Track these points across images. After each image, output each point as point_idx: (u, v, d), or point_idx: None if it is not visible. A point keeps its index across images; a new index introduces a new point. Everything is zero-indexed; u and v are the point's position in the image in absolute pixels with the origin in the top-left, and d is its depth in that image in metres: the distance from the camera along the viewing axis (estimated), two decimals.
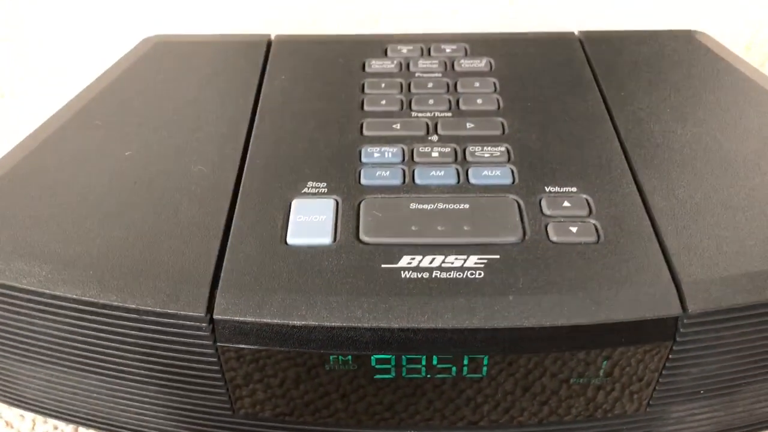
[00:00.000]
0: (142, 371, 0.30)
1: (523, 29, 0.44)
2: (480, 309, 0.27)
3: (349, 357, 0.29)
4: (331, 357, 0.29)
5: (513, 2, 0.64)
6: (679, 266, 0.29)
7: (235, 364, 0.29)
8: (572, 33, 0.43)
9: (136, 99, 0.39)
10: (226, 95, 0.39)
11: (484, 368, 0.29)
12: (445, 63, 0.41)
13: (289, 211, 0.31)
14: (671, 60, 0.40)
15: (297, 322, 0.27)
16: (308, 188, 0.32)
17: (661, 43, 0.42)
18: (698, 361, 0.29)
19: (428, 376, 0.29)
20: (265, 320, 0.27)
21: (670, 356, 0.29)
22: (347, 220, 0.31)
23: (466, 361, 0.29)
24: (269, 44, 0.42)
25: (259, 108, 0.37)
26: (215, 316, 0.28)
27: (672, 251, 0.29)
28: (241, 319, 0.27)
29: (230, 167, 0.34)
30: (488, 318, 0.27)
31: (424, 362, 0.29)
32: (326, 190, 0.32)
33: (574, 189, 0.32)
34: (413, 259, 0.29)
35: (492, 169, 0.33)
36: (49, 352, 0.31)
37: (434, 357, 0.29)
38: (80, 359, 0.31)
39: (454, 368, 0.29)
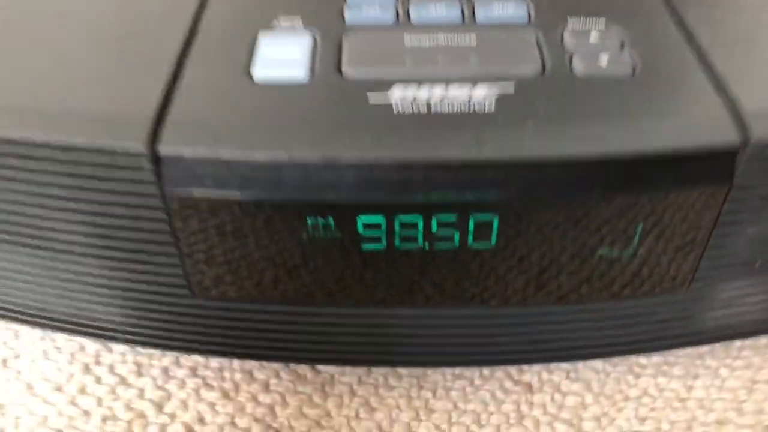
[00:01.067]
0: (78, 239, 0.25)
1: None
2: (491, 139, 0.22)
3: (331, 220, 0.23)
4: (308, 220, 0.23)
5: None
6: (735, 93, 0.23)
7: (188, 223, 0.23)
8: None
9: None
10: None
11: (493, 235, 0.24)
12: None
13: (256, 44, 0.26)
14: None
15: (263, 156, 0.22)
16: (280, 22, 0.27)
17: None
18: (759, 216, 0.24)
19: (426, 246, 0.24)
20: (223, 155, 0.22)
21: (724, 208, 0.23)
22: (326, 55, 0.25)
23: (471, 226, 0.23)
24: None
25: None
26: (161, 152, 0.22)
27: (724, 79, 0.24)
28: (193, 153, 0.22)
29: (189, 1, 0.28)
30: (502, 148, 0.22)
31: (421, 226, 0.24)
32: (302, 24, 0.27)
33: (602, 20, 0.26)
34: (407, 91, 0.23)
35: (503, 4, 0.28)
36: None
37: (433, 219, 0.23)
38: (5, 229, 0.25)
39: (457, 235, 0.24)
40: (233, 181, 0.22)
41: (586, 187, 0.22)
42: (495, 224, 0.23)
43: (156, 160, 0.22)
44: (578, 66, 0.24)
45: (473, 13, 0.27)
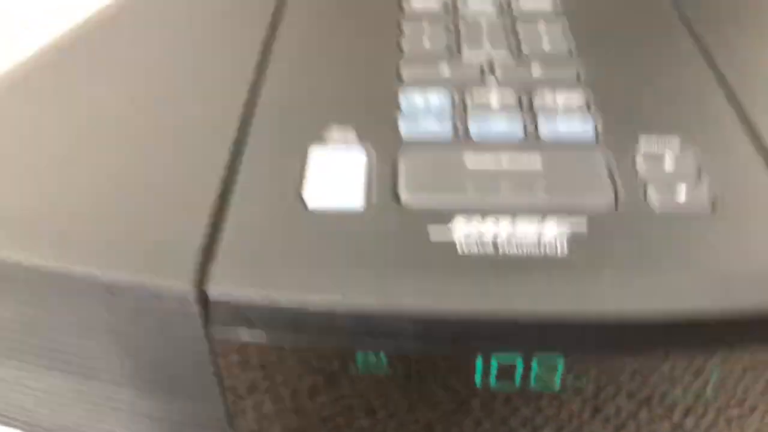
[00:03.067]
0: (116, 367, 0.23)
1: None
2: (563, 290, 0.20)
3: (383, 356, 0.22)
4: (358, 356, 0.21)
5: None
6: None
7: (233, 360, 0.22)
8: None
9: (138, 31, 0.32)
10: (239, 23, 0.32)
11: (557, 377, 0.22)
12: (500, 2, 0.34)
13: (308, 163, 0.24)
14: None
15: (317, 298, 0.20)
16: (332, 133, 0.25)
17: None
18: None
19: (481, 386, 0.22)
20: (274, 298, 0.20)
21: None
22: (383, 178, 0.24)
23: (535, 368, 0.22)
24: None
25: (275, 41, 0.30)
26: (208, 291, 0.21)
27: None
28: (243, 294, 0.20)
29: (236, 109, 0.27)
30: (573, 299, 0.20)
31: (478, 378, 0.22)
32: (355, 137, 0.25)
33: (676, 141, 0.25)
34: (471, 223, 0.22)
35: (569, 120, 0.26)
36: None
37: (493, 359, 0.21)
38: (37, 351, 0.24)
39: (519, 372, 0.22)
40: (285, 324, 0.21)
41: (660, 341, 0.20)
42: (559, 372, 0.22)
43: (203, 300, 0.21)
44: (654, 199, 0.23)
45: (536, 128, 0.26)
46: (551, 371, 0.22)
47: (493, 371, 0.22)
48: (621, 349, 0.21)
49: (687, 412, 0.22)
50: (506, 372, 0.22)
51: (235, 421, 0.24)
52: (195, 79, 0.29)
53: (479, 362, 0.21)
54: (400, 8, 0.33)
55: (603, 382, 0.21)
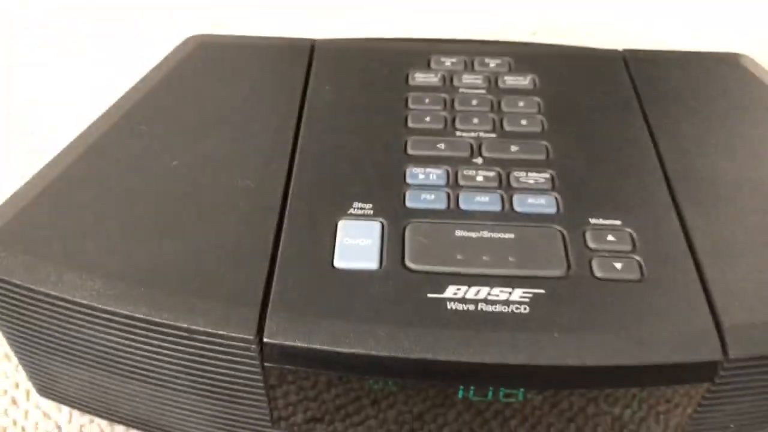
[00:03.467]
0: (187, 383, 0.31)
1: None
2: (525, 345, 0.28)
3: (390, 383, 0.29)
4: (370, 383, 0.29)
5: (536, 33, 0.64)
6: (721, 309, 0.29)
7: (279, 382, 0.30)
8: (616, 50, 0.43)
9: (180, 104, 0.39)
10: (270, 103, 0.39)
11: (520, 395, 0.30)
12: (489, 78, 0.41)
13: (336, 232, 0.32)
14: (716, 86, 0.40)
15: (344, 350, 0.28)
16: (354, 209, 0.33)
17: (706, 66, 0.42)
18: (732, 401, 0.30)
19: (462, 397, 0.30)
20: (313, 346, 0.28)
21: (706, 396, 0.29)
22: (393, 245, 0.31)
23: (502, 394, 0.30)
24: (312, 49, 0.42)
25: (303, 120, 0.37)
26: (265, 339, 0.28)
27: (714, 293, 0.29)
28: (290, 343, 0.28)
29: (276, 182, 0.34)
30: (533, 355, 0.28)
31: (461, 394, 0.30)
32: (372, 211, 0.33)
33: (618, 222, 0.32)
34: (459, 289, 0.29)
35: (536, 197, 0.33)
36: (95, 359, 0.32)
37: (471, 388, 0.29)
38: (126, 368, 0.32)
39: (490, 393, 0.30)
40: (319, 362, 0.28)
41: (595, 383, 0.28)
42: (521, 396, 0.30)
43: (261, 345, 0.28)
44: (596, 269, 0.30)
45: (512, 202, 0.33)
46: (514, 395, 0.29)
47: (471, 394, 0.29)
48: (569, 388, 0.28)
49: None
50: (482, 393, 0.30)
51: (274, 419, 0.32)
52: (239, 152, 0.36)
53: (461, 390, 0.29)
54: (407, 83, 0.40)
55: (554, 406, 0.29)
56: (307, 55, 0.42)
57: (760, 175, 0.35)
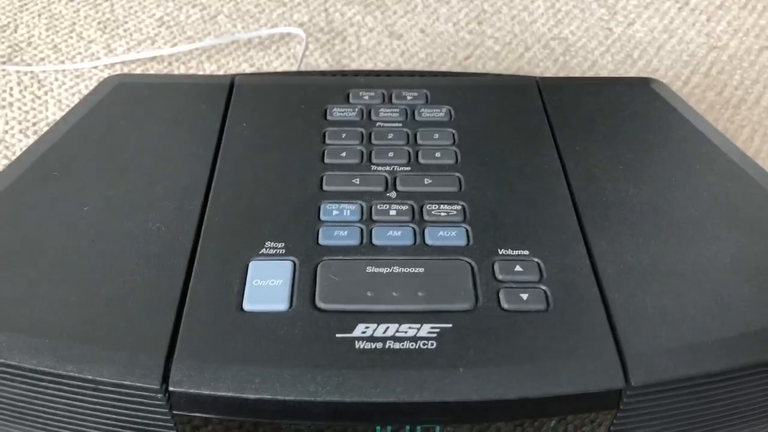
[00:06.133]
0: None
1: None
2: (431, 382, 0.28)
3: (305, 427, 0.29)
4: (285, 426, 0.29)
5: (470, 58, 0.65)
6: (623, 337, 0.30)
7: (190, 430, 0.29)
8: (531, 77, 0.44)
9: (95, 146, 0.38)
10: (187, 143, 0.39)
11: (437, 429, 0.30)
12: (406, 111, 0.41)
13: (246, 274, 0.32)
14: (626, 112, 0.41)
15: (250, 396, 0.28)
16: (266, 249, 0.33)
17: (617, 92, 0.43)
18: (641, 425, 0.30)
19: None
20: (219, 393, 0.28)
21: (615, 422, 0.30)
22: (304, 285, 0.31)
23: (420, 430, 0.30)
24: (231, 86, 0.42)
25: (218, 159, 0.37)
26: (170, 388, 0.28)
27: (617, 321, 0.30)
28: (196, 391, 0.28)
29: (188, 225, 0.34)
30: (439, 391, 0.28)
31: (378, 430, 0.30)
32: (284, 251, 0.33)
33: (526, 252, 0.33)
34: (367, 328, 0.30)
35: (447, 230, 0.34)
36: (4, 413, 0.31)
37: (388, 427, 0.29)
38: (37, 422, 0.31)
39: (408, 429, 0.30)
40: (227, 409, 0.28)
41: (505, 416, 0.29)
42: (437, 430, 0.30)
43: (168, 393, 0.28)
44: (503, 300, 0.31)
45: (424, 236, 0.34)
46: (432, 429, 0.30)
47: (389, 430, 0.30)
48: (478, 422, 0.29)
49: None
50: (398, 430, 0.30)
51: None
52: (153, 194, 0.35)
53: (377, 429, 0.29)
54: (325, 118, 0.41)
55: None
56: (226, 92, 0.42)
57: (667, 199, 0.36)
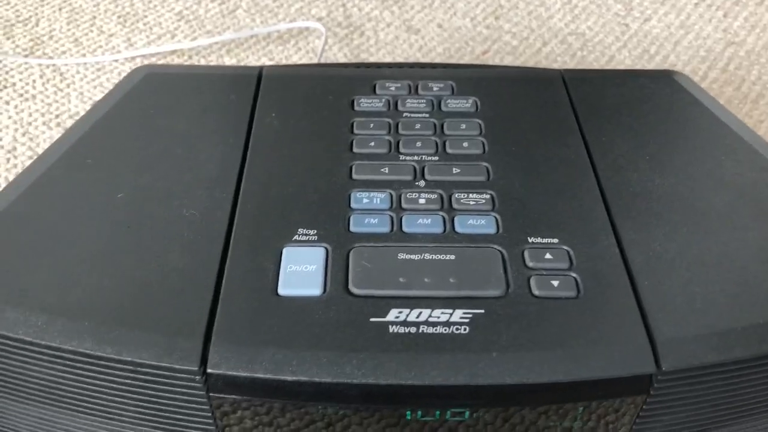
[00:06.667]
0: (135, 415, 0.31)
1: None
2: (464, 366, 0.28)
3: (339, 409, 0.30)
4: (318, 408, 0.30)
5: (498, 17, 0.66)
6: (654, 323, 0.30)
7: (226, 412, 0.30)
8: (556, 71, 0.44)
9: (126, 136, 0.39)
10: (217, 132, 0.39)
11: (466, 413, 0.30)
12: (432, 102, 0.42)
13: (280, 259, 0.32)
14: (650, 103, 0.42)
15: (288, 378, 0.28)
16: (299, 235, 0.33)
17: (641, 84, 0.43)
18: (669, 411, 0.31)
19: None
20: (256, 375, 0.28)
21: (644, 407, 0.30)
22: (337, 270, 0.32)
23: (449, 414, 0.30)
24: (260, 77, 0.43)
25: (249, 148, 0.38)
26: (208, 370, 0.28)
27: (647, 308, 0.31)
28: (234, 373, 0.28)
29: (221, 212, 0.34)
30: (472, 375, 0.28)
31: (409, 415, 0.30)
32: (316, 237, 0.33)
33: (555, 240, 0.33)
34: (401, 312, 0.30)
35: (477, 218, 0.34)
36: (41, 394, 0.32)
37: (418, 411, 0.30)
38: (73, 402, 0.32)
39: (438, 413, 0.30)
40: (263, 391, 0.29)
41: (536, 400, 0.29)
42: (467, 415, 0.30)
43: (205, 375, 0.29)
44: (534, 287, 0.31)
45: (453, 224, 0.34)
46: (461, 413, 0.30)
47: (419, 415, 0.30)
48: (510, 405, 0.29)
49: None
50: (429, 414, 0.30)
51: None
52: (185, 182, 0.36)
53: (408, 412, 0.30)
54: (352, 109, 0.41)
55: (504, 422, 0.30)
56: (255, 83, 0.42)
57: (692, 189, 0.36)
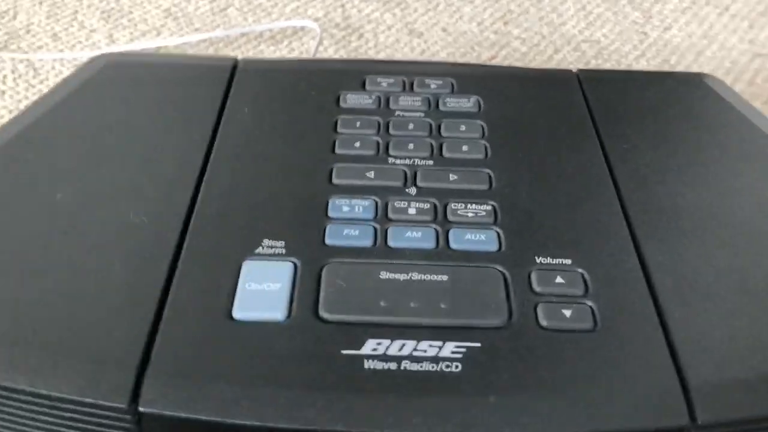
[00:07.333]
0: None
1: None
2: (455, 413, 0.23)
3: None
4: None
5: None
6: (686, 364, 0.25)
7: None
8: (569, 71, 0.39)
9: (76, 130, 0.34)
10: (180, 128, 0.34)
11: None
12: (429, 100, 0.37)
13: (239, 276, 0.27)
14: (678, 108, 0.36)
15: (236, 421, 0.23)
16: (263, 247, 0.28)
17: (668, 87, 0.38)
18: None
19: None
20: (198, 416, 0.23)
21: None
22: (305, 291, 0.27)
23: None
24: (234, 69, 0.38)
25: (215, 146, 0.33)
26: (140, 408, 0.23)
27: (678, 345, 0.25)
28: (171, 413, 0.23)
29: (175, 218, 0.29)
30: (464, 425, 0.23)
31: None
32: (284, 250, 0.28)
33: (568, 261, 0.28)
34: (379, 344, 0.25)
35: (475, 233, 0.29)
36: None
37: None
38: None
39: None
40: None
41: None
42: None
43: (137, 415, 0.23)
44: (542, 317, 0.26)
45: (447, 238, 0.29)
46: None
47: None
48: None
49: None
50: None
51: None
52: (138, 183, 0.31)
53: None
54: (337, 105, 0.36)
55: None
56: (228, 75, 0.37)
57: (728, 205, 0.31)
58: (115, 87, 0.36)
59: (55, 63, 0.60)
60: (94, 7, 0.67)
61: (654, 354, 0.25)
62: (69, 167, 0.32)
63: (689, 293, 0.27)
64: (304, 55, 0.61)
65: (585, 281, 0.27)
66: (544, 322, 0.26)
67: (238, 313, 0.26)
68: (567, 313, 0.26)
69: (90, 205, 0.30)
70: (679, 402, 0.24)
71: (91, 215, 0.29)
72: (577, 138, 0.34)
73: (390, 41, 0.64)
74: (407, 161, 0.33)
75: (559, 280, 0.27)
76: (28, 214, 0.29)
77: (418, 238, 0.29)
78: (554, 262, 0.28)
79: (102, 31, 0.64)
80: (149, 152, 0.33)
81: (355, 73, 0.38)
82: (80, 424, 0.24)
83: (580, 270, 0.28)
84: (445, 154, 0.33)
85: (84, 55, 0.60)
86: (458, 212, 0.30)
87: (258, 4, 0.68)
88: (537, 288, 0.27)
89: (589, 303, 0.26)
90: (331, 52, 0.62)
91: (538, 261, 0.28)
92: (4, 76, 0.59)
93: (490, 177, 0.32)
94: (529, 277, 0.27)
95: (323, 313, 0.26)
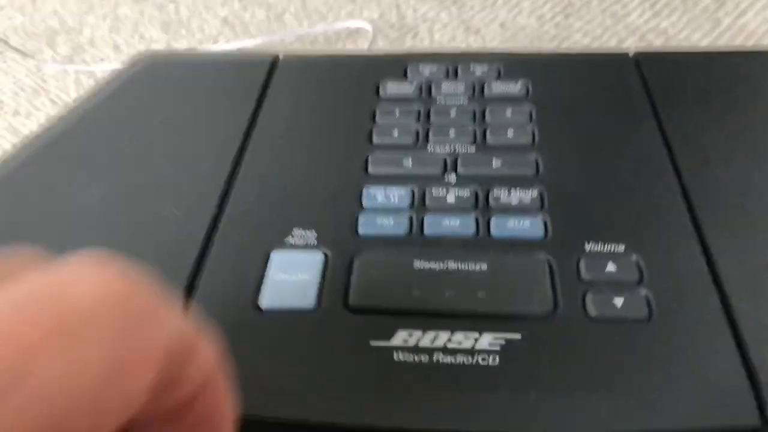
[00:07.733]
0: None
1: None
2: (492, 410, 0.21)
3: None
4: None
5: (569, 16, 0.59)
6: (756, 359, 0.22)
7: None
8: (626, 53, 0.36)
9: (118, 126, 0.34)
10: (218, 122, 0.34)
11: None
12: (473, 86, 0.35)
13: (268, 265, 0.26)
14: (746, 87, 0.33)
15: (260, 413, 0.22)
16: (293, 237, 0.27)
17: (734, 65, 0.35)
18: None
19: None
20: None
21: None
22: (336, 280, 0.25)
23: None
24: (274, 64, 0.37)
25: (251, 138, 0.32)
26: None
27: (747, 339, 0.22)
28: None
29: (206, 209, 0.28)
30: (502, 422, 0.21)
31: None
32: (315, 241, 0.27)
33: (621, 247, 0.26)
34: (410, 335, 0.23)
35: (519, 219, 0.27)
36: None
37: None
38: None
39: None
40: None
41: None
42: None
43: None
44: (591, 306, 0.24)
45: (488, 225, 0.27)
46: None
47: None
48: None
49: None
50: None
51: None
52: (173, 176, 0.30)
53: None
54: (377, 94, 0.35)
55: None
56: (267, 70, 0.37)
57: None
58: (154, 86, 0.36)
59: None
60: (154, 19, 0.68)
61: (718, 348, 0.22)
62: (108, 164, 0.32)
63: (759, 281, 0.24)
64: None
65: (640, 268, 0.25)
66: (592, 312, 0.23)
67: (265, 302, 0.24)
68: (618, 301, 0.24)
69: (126, 200, 0.29)
70: (747, 400, 0.21)
71: (126, 210, 0.29)
72: (634, 121, 0.32)
73: (445, 39, 0.62)
74: (447, 148, 0.31)
75: (610, 267, 0.25)
76: (67, 210, 0.29)
77: (456, 226, 0.27)
78: (605, 249, 0.26)
79: (161, 41, 0.65)
80: (187, 146, 0.32)
81: (397, 62, 0.37)
82: None
83: (634, 256, 0.25)
84: (489, 140, 0.31)
85: None
86: (501, 199, 0.28)
87: (314, 9, 0.68)
88: (585, 276, 0.25)
89: (644, 291, 0.24)
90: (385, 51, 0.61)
91: (587, 247, 0.26)
92: (68, 88, 0.60)
93: (537, 162, 0.30)
94: (578, 264, 0.25)
95: (353, 303, 0.24)
